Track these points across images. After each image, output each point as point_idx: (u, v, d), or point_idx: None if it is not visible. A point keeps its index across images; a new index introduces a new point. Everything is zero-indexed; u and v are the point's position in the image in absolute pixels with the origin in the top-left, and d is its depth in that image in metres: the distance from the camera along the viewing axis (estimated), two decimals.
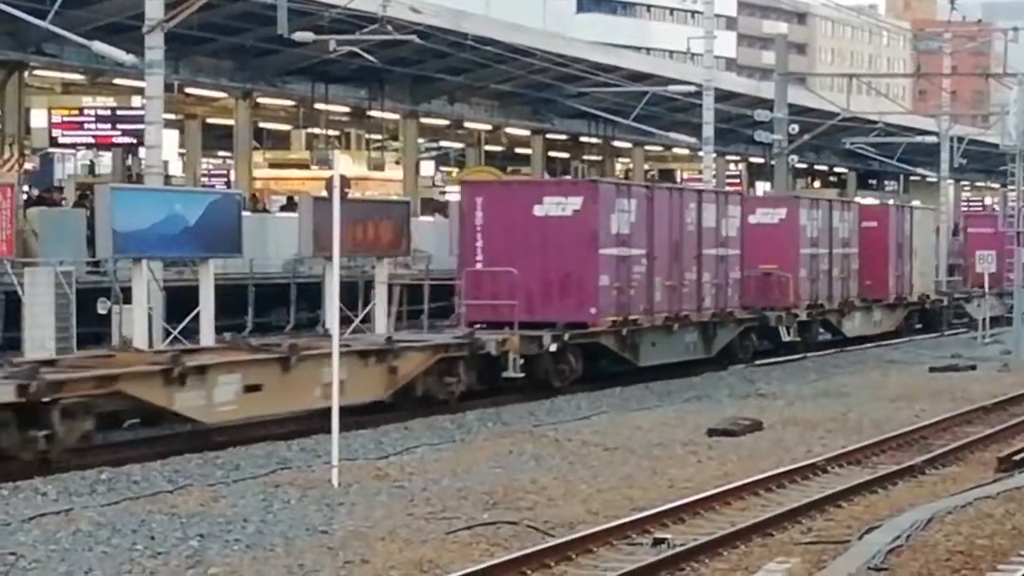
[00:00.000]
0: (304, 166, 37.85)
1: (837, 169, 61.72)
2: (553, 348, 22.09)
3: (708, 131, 37.52)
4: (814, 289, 31.32)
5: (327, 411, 15.30)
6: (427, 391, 20.64)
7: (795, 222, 30.62)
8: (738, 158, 53.64)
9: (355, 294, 24.47)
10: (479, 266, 22.55)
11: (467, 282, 22.41)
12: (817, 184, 63.11)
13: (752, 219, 29.26)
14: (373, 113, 36.68)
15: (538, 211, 22.81)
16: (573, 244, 22.65)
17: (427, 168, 44.47)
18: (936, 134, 50.93)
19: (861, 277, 33.85)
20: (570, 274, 22.68)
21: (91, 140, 29.16)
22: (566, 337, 22.37)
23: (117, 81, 28.94)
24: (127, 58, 21.11)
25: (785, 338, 29.69)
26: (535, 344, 21.85)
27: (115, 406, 15.66)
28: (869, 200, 67.23)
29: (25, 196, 27.77)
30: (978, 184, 72.86)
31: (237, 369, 17.06)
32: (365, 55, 28.16)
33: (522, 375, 21.58)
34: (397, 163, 39.18)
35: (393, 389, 19.83)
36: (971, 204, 71.53)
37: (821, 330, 32.68)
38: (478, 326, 21.88)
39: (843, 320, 33.18)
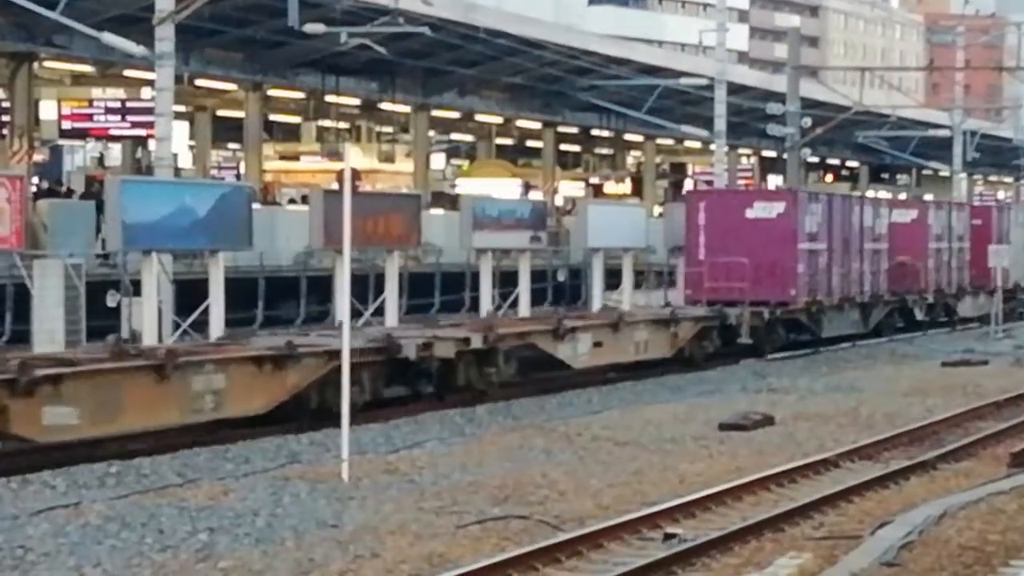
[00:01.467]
0: (294, 157, 37.77)
1: (849, 163, 61.57)
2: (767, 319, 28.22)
3: (720, 124, 37.44)
4: (938, 277, 36.61)
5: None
6: (323, 403, 17.87)
7: (925, 221, 36.33)
8: (750, 152, 53.51)
9: (366, 287, 24.48)
10: (701, 257, 28.45)
11: (705, 270, 28.20)
12: (829, 178, 62.96)
13: (892, 219, 34.62)
14: (384, 106, 36.64)
15: (749, 214, 28.84)
16: (777, 240, 28.47)
17: (438, 161, 44.44)
18: (949, 128, 50.79)
19: (970, 267, 38.61)
20: (775, 263, 28.34)
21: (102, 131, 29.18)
22: (778, 312, 28.47)
23: (127, 73, 28.92)
24: (137, 50, 21.09)
25: (919, 317, 35.03)
26: (758, 317, 27.95)
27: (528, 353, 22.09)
28: (882, 194, 67.10)
29: (35, 188, 27.78)
30: (991, 178, 72.64)
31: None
32: (376, 47, 28.12)
33: (750, 341, 27.65)
34: (408, 156, 39.14)
35: (280, 400, 17.41)
36: (984, 198, 71.32)
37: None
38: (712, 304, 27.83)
39: (958, 304, 37.99)
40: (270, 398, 17.57)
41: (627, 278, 28.33)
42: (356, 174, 15.00)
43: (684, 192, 33.20)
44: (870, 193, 64.71)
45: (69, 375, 15.14)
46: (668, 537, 11.92)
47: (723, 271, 27.78)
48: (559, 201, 43.13)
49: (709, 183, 43.64)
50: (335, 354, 16.83)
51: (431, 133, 39.98)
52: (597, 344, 23.70)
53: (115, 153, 37.21)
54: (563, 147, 46.65)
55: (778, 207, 28.90)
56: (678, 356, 26.09)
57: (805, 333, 29.90)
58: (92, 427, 15.47)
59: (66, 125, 28.93)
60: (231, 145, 40.10)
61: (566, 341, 22.81)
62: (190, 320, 19.87)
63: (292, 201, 35.11)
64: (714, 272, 27.86)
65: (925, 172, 64.89)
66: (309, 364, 18.00)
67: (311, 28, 26.44)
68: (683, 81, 38.16)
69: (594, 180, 48.78)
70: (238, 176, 36.22)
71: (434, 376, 20.18)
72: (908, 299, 34.79)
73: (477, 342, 20.55)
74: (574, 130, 45.16)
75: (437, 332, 20.53)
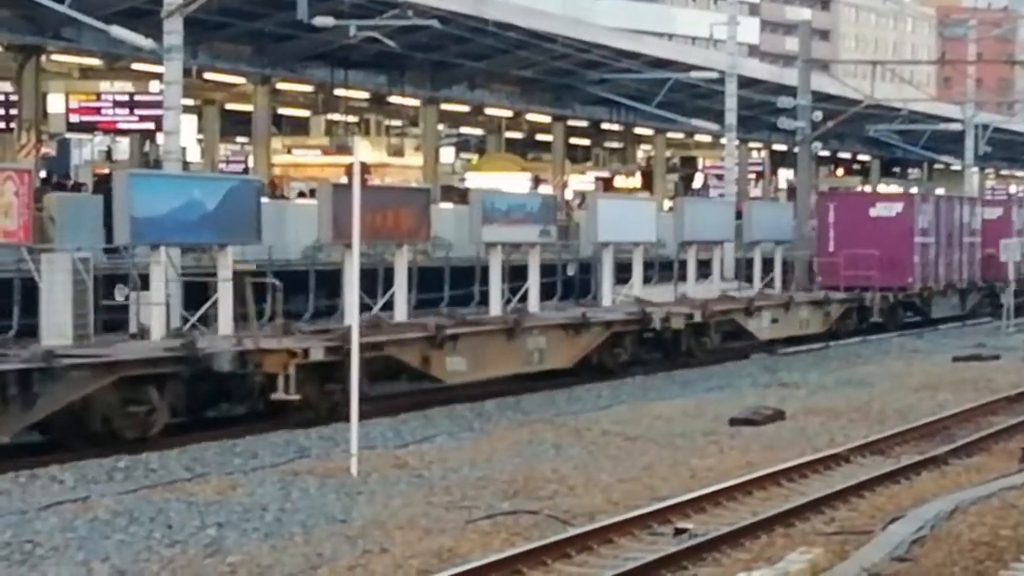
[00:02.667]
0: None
1: (860, 157, 61.41)
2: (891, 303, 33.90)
3: (731, 118, 37.35)
4: (1019, 268, 38.78)
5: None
6: (600, 361, 22.98)
7: (1009, 217, 40.49)
8: (761, 145, 53.39)
9: (375, 281, 24.46)
10: (831, 249, 33.85)
11: (841, 260, 33.22)
12: (840, 172, 62.81)
13: (983, 215, 39.08)
14: (393, 99, 36.58)
15: (872, 213, 34.64)
16: (896, 235, 34.02)
17: (447, 155, 44.37)
18: (961, 121, 50.63)
19: None
20: (895, 255, 33.69)
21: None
22: (900, 296, 34.23)
23: (135, 66, 28.88)
24: (145, 43, 21.05)
25: (1003, 302, 36.93)
26: (885, 300, 33.41)
27: None
28: (893, 188, 66.89)
29: (42, 179, 27.74)
30: (1003, 172, 72.42)
31: None
32: (385, 40, 28.06)
33: (880, 320, 32.96)
34: (417, 149, 39.08)
35: (577, 358, 22.13)
36: (995, 192, 71.14)
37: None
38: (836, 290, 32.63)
39: None
40: (572, 356, 23.21)
41: (637, 272, 28.48)
42: (365, 168, 14.93)
43: (817, 194, 38.51)
44: (881, 187, 64.62)
45: (463, 334, 20.78)
46: (678, 532, 11.88)
47: (856, 261, 33.16)
48: (569, 195, 43.07)
49: (720, 176, 43.58)
50: (610, 324, 24.12)
51: (440, 127, 39.91)
52: (774, 320, 29.68)
53: (123, 147, 37.18)
54: (573, 141, 46.57)
55: (897, 207, 35.06)
56: (828, 332, 31.66)
57: (918, 314, 35.88)
58: (472, 373, 21.01)
59: (74, 119, 28.88)
60: (239, 139, 40.07)
61: (754, 317, 28.86)
62: (198, 314, 19.84)
63: (301, 195, 35.09)
64: (848, 262, 33.19)
65: (937, 166, 64.70)
66: (595, 331, 23.75)
67: (320, 21, 26.38)
68: (694, 75, 38.05)
69: (603, 174, 48.70)
70: (246, 170, 36.18)
71: (668, 343, 25.82)
72: (996, 286, 38.26)
73: (697, 316, 26.15)
74: (584, 124, 45.08)
75: (670, 308, 25.84)
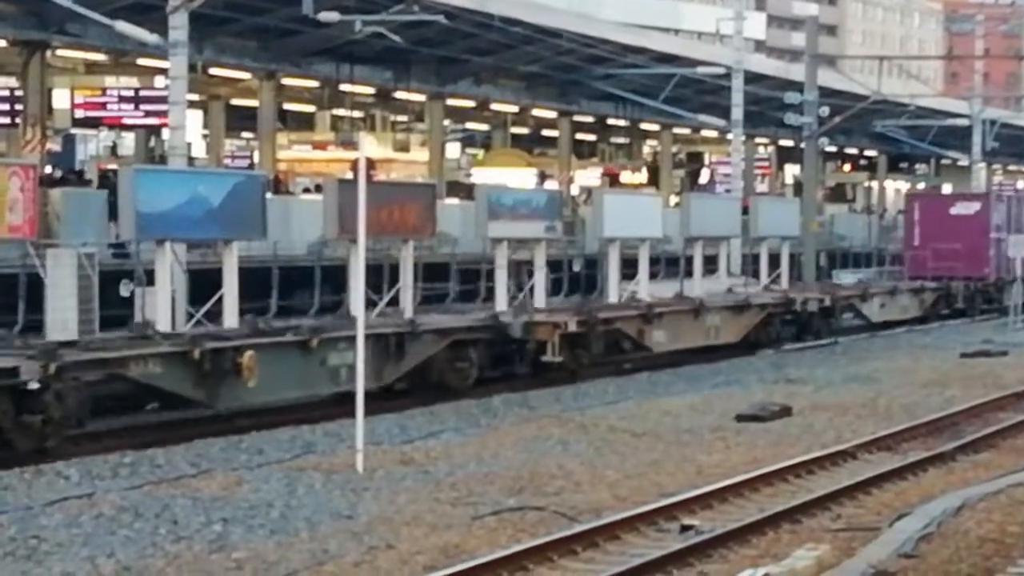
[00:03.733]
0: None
1: (867, 152, 61.29)
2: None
3: (737, 114, 37.26)
4: None
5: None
6: (756, 338, 28.23)
7: None
8: (767, 141, 53.30)
9: (380, 277, 24.45)
10: (916, 243, 38.55)
11: (928, 253, 37.67)
12: (847, 168, 62.70)
13: None
14: (398, 94, 36.54)
15: (952, 211, 39.15)
16: (975, 231, 38.27)
17: (453, 150, 44.31)
18: (968, 117, 50.50)
19: None
20: (974, 249, 37.85)
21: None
22: (978, 286, 38.14)
23: (140, 61, 28.84)
24: (151, 38, 21.01)
25: (1012, 299, 38.51)
26: (967, 289, 37.47)
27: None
28: (900, 183, 66.71)
29: (47, 173, 27.72)
30: (1010, 168, 72.27)
31: None
32: (391, 36, 28.00)
33: (963, 306, 36.98)
34: (423, 145, 39.04)
35: (741, 335, 27.05)
36: (1003, 188, 70.99)
37: None
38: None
39: None
40: (738, 332, 28.35)
41: (643, 268, 28.49)
42: (371, 163, 14.90)
43: (904, 195, 44.46)
44: (888, 183, 64.48)
45: (665, 312, 25.91)
46: (685, 528, 11.84)
47: (941, 255, 37.58)
48: (575, 191, 43.01)
49: (727, 175, 43.53)
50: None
51: (446, 122, 39.86)
52: (882, 305, 34.67)
53: (128, 142, 37.16)
54: (579, 136, 46.51)
55: (975, 206, 39.24)
56: (922, 317, 36.02)
57: (992, 302, 38.73)
58: (670, 344, 26.01)
59: (79, 114, 28.85)
60: (245, 134, 40.05)
61: (867, 302, 34.09)
62: (204, 310, 19.81)
63: (307, 191, 35.06)
64: (934, 255, 37.75)
65: (944, 161, 64.56)
66: (753, 312, 28.61)
67: (325, 16, 26.33)
68: (700, 70, 37.96)
69: (609, 169, 48.64)
70: (251, 165, 36.16)
71: (805, 323, 30.41)
72: None
73: (827, 301, 31.22)
74: (590, 119, 45.01)
75: (807, 295, 30.42)
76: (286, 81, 33.80)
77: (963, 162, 56.59)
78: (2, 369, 14.76)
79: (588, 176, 47.27)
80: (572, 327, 22.55)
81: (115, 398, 17.04)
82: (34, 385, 14.38)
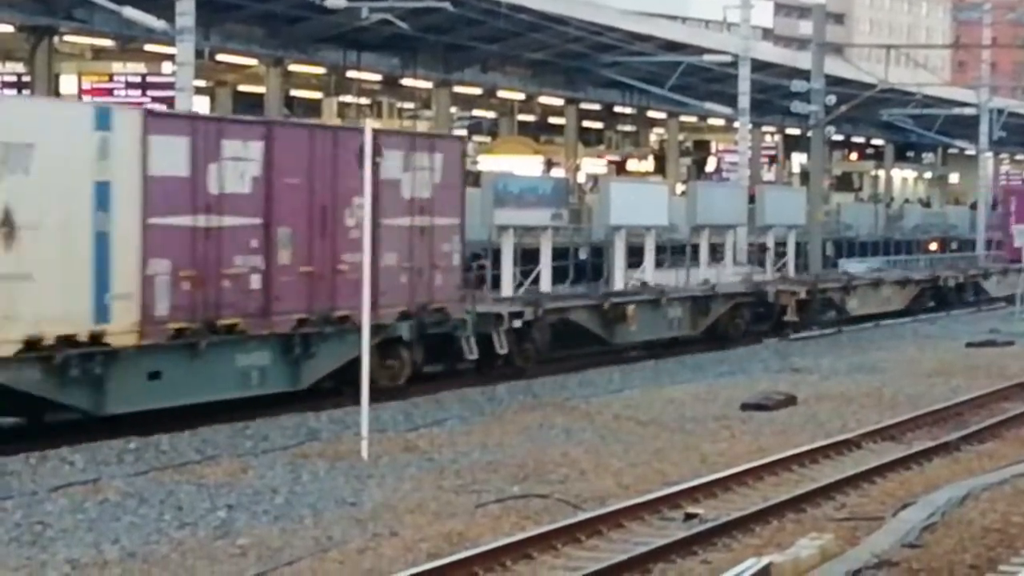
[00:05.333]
0: None
1: (874, 141, 61.16)
2: None
3: (744, 102, 37.17)
4: None
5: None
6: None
7: None
8: (774, 129, 53.21)
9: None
10: (1013, 232, 42.79)
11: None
12: (854, 156, 62.58)
13: None
14: (405, 81, 36.50)
15: None
16: None
17: None
18: (975, 106, 50.35)
19: None
20: None
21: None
22: None
23: (147, 47, 28.83)
24: (158, 24, 21.01)
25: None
26: None
27: None
28: (907, 172, 66.59)
29: None
30: (1017, 157, 72.06)
31: None
32: (398, 22, 27.97)
33: None
34: None
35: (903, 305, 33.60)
36: (1010, 177, 70.81)
37: None
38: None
39: None
40: (904, 300, 34.63)
41: (649, 256, 28.52)
42: (378, 149, 14.87)
43: (1001, 189, 50.74)
44: (895, 172, 64.33)
45: (856, 286, 32.75)
46: (689, 517, 11.85)
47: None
48: (581, 178, 42.96)
49: (733, 163, 43.47)
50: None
51: (453, 109, 39.82)
52: (998, 282, 38.71)
53: None
54: (585, 124, 46.45)
55: None
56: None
57: None
58: (860, 309, 32.51)
59: (86, 99, 28.85)
60: None
61: (988, 280, 38.86)
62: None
63: None
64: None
65: (951, 151, 64.40)
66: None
67: (332, 3, 26.28)
68: (707, 58, 37.89)
69: (615, 157, 48.58)
70: None
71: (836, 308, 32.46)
72: None
73: (802, 293, 31.36)
74: (597, 107, 44.94)
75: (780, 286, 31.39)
76: (293, 68, 33.76)
77: (970, 151, 56.45)
78: (513, 312, 21.31)
79: (595, 164, 47.24)
80: (802, 296, 29.79)
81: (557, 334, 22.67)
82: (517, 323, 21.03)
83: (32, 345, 14.08)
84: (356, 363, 15.50)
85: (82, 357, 14.52)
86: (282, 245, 16.73)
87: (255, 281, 16.45)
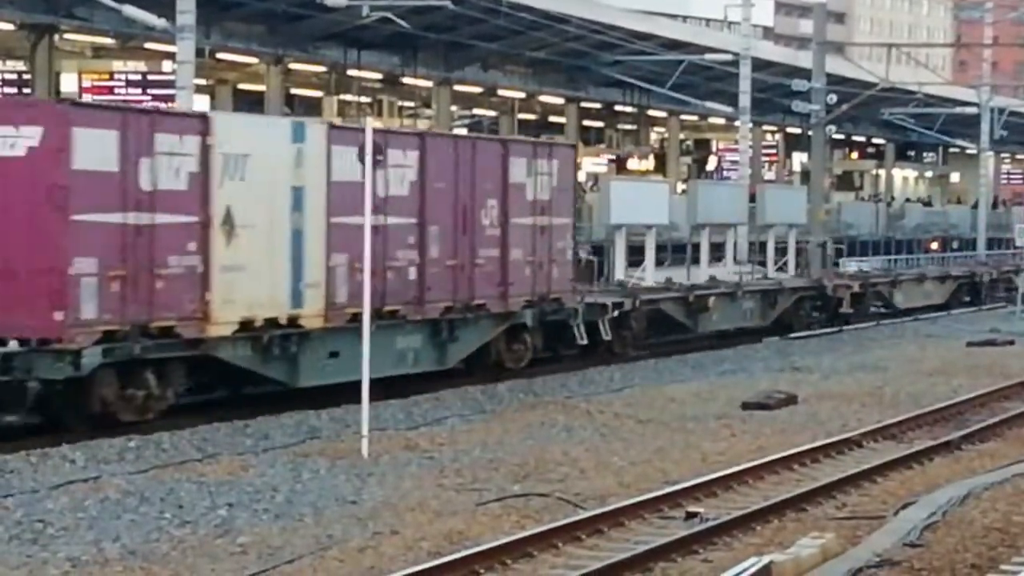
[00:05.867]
0: None
1: (875, 140, 61.16)
2: None
3: (745, 101, 37.16)
4: None
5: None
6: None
7: None
8: (775, 128, 53.20)
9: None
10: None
11: None
12: (855, 156, 62.57)
13: None
14: (406, 80, 36.50)
15: None
16: None
17: None
18: (976, 105, 50.34)
19: None
20: None
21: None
22: None
23: (148, 46, 28.84)
24: (158, 22, 21.00)
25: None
26: None
27: None
28: (908, 171, 66.48)
29: None
30: (1019, 156, 72.05)
31: None
32: (398, 21, 27.97)
33: None
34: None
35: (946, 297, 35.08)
36: (1011, 176, 70.79)
37: None
38: None
39: None
40: (944, 295, 36.51)
41: (650, 255, 28.56)
42: (378, 148, 14.86)
43: None
44: (896, 171, 64.30)
45: (902, 281, 34.80)
46: (690, 516, 11.84)
47: None
48: (582, 177, 42.95)
49: (734, 162, 43.47)
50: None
51: (453, 108, 39.82)
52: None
53: None
54: (586, 123, 46.44)
55: None
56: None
57: None
58: (906, 303, 34.28)
59: (87, 98, 28.85)
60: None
61: (1020, 276, 38.35)
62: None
63: None
64: None
65: (952, 150, 64.38)
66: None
67: (333, 1, 26.28)
68: (708, 57, 37.90)
69: (616, 156, 48.56)
70: None
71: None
72: None
73: (856, 287, 33.42)
74: (597, 105, 44.94)
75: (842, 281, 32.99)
76: (293, 66, 33.76)
77: (971, 150, 56.43)
78: (615, 303, 23.47)
79: (595, 163, 47.22)
80: (856, 289, 31.92)
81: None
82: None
83: (245, 326, 16.20)
84: (488, 346, 19.95)
85: (282, 337, 16.67)
86: (433, 241, 18.89)
87: (412, 273, 18.59)
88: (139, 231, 15.08)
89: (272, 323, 16.56)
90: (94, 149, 14.69)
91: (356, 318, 16.32)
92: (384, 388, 17.20)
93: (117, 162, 14.89)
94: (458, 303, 19.37)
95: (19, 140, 14.41)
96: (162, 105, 24.01)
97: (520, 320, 20.79)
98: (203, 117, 16.44)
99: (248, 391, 17.41)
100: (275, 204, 16.57)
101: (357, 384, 14.81)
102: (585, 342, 22.19)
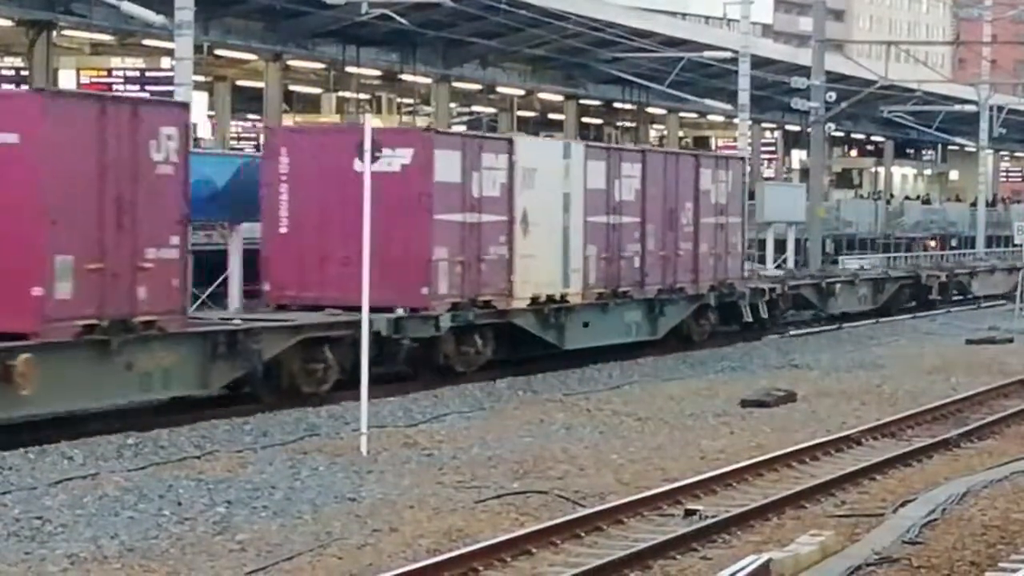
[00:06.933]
0: None
1: (874, 138, 61.14)
2: None
3: (744, 98, 37.14)
4: None
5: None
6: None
7: None
8: (774, 126, 53.19)
9: None
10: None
11: None
12: (854, 153, 62.56)
13: None
14: (405, 77, 36.48)
15: None
16: None
17: None
18: (975, 103, 50.36)
19: None
20: None
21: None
22: None
23: (146, 42, 28.82)
24: (157, 19, 20.97)
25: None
26: None
27: None
28: (907, 169, 66.43)
29: None
30: (1018, 154, 72.07)
31: None
32: (397, 18, 27.97)
33: None
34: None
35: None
36: (1010, 174, 70.78)
37: None
38: None
39: None
40: (1008, 285, 38.06)
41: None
42: (377, 145, 14.85)
43: None
44: (895, 169, 64.27)
45: (978, 272, 37.78)
46: (689, 513, 11.83)
47: None
48: None
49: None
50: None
51: (452, 105, 39.80)
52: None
53: None
54: (585, 120, 46.42)
55: None
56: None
57: None
58: (981, 291, 37.38)
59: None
60: (251, 116, 39.99)
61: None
62: (208, 291, 19.81)
63: None
64: None
65: (951, 148, 64.38)
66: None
67: None
68: (707, 54, 37.88)
69: None
70: (258, 147, 36.07)
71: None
72: None
73: (943, 277, 36.61)
74: (596, 103, 44.93)
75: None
76: (292, 63, 33.74)
77: (970, 148, 56.43)
78: (767, 288, 27.87)
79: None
80: (943, 279, 35.78)
81: None
82: None
83: (533, 301, 20.87)
84: (683, 322, 24.99)
85: (555, 310, 21.29)
86: (650, 237, 23.77)
87: (636, 262, 23.47)
88: (472, 228, 19.58)
89: (550, 299, 21.16)
90: (447, 166, 19.12)
91: (601, 296, 22.35)
92: (612, 353, 22.45)
93: (460, 175, 19.36)
94: (666, 286, 24.32)
95: (395, 159, 18.31)
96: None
97: (706, 301, 25.64)
98: (509, 141, 21.49)
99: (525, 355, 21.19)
100: (552, 207, 21.24)
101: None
102: (751, 319, 26.88)
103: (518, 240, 20.42)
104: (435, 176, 18.82)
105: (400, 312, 18.41)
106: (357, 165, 16.11)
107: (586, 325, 22.05)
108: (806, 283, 30.96)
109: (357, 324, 15.22)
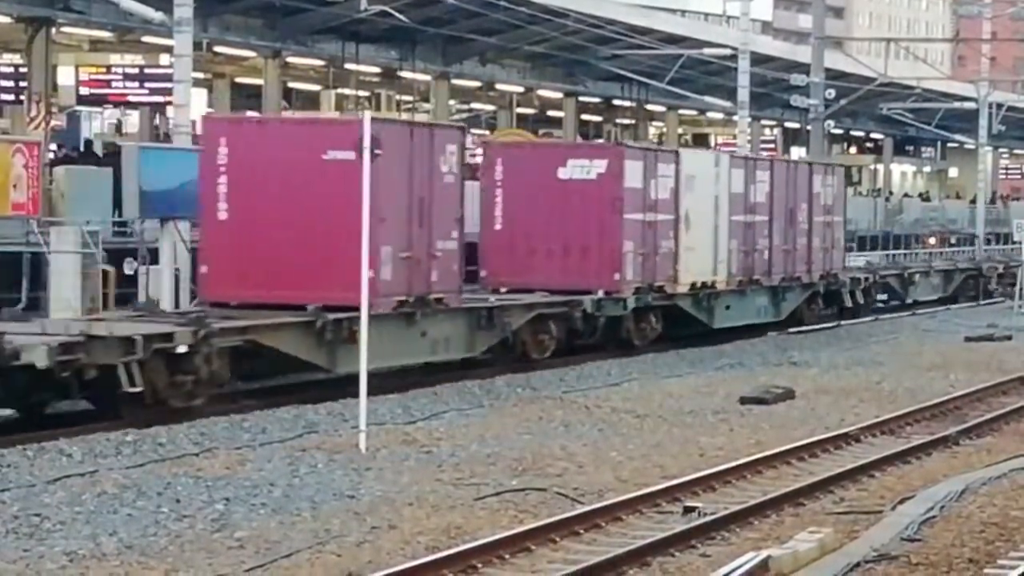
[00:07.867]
0: None
1: (873, 135, 61.14)
2: None
3: (743, 95, 37.13)
4: None
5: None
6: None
7: None
8: (773, 123, 53.19)
9: None
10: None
11: None
12: (853, 150, 62.54)
13: None
14: (404, 74, 36.47)
15: None
16: None
17: None
18: (975, 100, 50.36)
19: None
20: None
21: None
22: None
23: (145, 39, 28.82)
24: (156, 15, 20.95)
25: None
26: None
27: None
28: (906, 166, 66.43)
29: (52, 155, 27.71)
30: (1017, 151, 72.07)
31: None
32: (396, 15, 27.96)
33: None
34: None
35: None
36: (1009, 172, 70.79)
37: None
38: None
39: None
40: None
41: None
42: (377, 142, 14.84)
43: None
44: (894, 166, 64.25)
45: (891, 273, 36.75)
46: (688, 511, 11.83)
47: None
48: None
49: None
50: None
51: (451, 102, 39.78)
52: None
53: (134, 120, 37.11)
54: (584, 117, 46.41)
55: None
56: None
57: None
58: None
59: (84, 91, 28.83)
60: (250, 113, 39.96)
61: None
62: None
63: None
64: None
65: (950, 145, 64.38)
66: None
67: None
68: (706, 51, 37.87)
69: None
70: None
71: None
72: None
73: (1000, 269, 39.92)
74: (596, 100, 44.91)
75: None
76: (291, 60, 33.73)
77: (970, 145, 56.43)
78: (862, 277, 32.26)
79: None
80: (1000, 270, 38.96)
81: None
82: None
83: (692, 286, 24.64)
84: (798, 307, 28.90)
85: (707, 295, 25.34)
86: (776, 233, 27.64)
87: (765, 254, 27.39)
88: (650, 225, 23.36)
89: (704, 285, 24.92)
90: (633, 174, 22.95)
91: (740, 284, 26.33)
92: (717, 336, 25.44)
93: (642, 182, 23.14)
94: (787, 275, 28.09)
95: (592, 168, 22.57)
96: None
97: (816, 289, 29.57)
98: (676, 152, 25.61)
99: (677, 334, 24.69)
100: (706, 207, 24.97)
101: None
102: (851, 305, 30.79)
103: (682, 235, 24.26)
104: (625, 183, 22.71)
105: (601, 294, 22.28)
106: (560, 173, 22.37)
107: (728, 308, 25.95)
108: (891, 273, 35.51)
109: (571, 303, 21.30)
